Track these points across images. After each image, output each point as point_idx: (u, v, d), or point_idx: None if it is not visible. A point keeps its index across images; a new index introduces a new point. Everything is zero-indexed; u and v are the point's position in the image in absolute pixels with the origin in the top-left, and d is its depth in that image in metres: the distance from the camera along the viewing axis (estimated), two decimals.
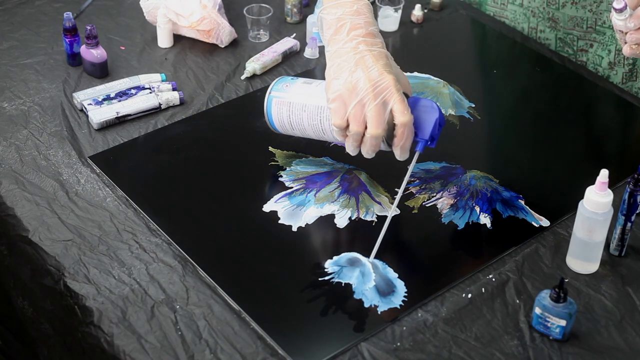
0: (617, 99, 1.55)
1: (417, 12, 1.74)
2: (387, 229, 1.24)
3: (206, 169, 1.37)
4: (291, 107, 1.29)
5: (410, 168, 1.20)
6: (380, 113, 1.16)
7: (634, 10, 1.19)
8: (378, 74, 1.16)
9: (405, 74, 1.58)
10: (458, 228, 1.26)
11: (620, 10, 1.19)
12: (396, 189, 1.32)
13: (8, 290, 1.36)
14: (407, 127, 1.16)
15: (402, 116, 1.16)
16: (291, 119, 1.30)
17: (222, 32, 1.64)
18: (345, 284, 1.17)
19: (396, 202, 1.22)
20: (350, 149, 1.21)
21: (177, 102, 1.50)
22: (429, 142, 1.20)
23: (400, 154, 1.19)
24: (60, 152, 1.39)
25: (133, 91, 1.50)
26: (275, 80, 1.33)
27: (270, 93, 1.31)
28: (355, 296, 1.15)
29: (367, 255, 1.20)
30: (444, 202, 1.30)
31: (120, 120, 1.45)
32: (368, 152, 1.20)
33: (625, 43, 1.22)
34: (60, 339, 1.25)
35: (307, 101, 1.27)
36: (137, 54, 1.63)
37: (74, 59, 1.58)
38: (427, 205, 1.30)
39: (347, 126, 1.18)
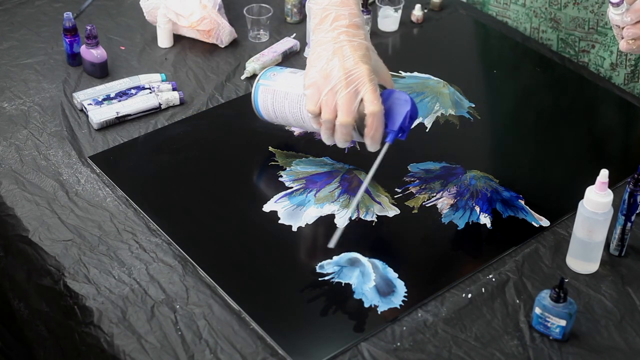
0: (617, 99, 1.55)
1: (417, 12, 1.74)
2: (387, 228, 1.25)
3: (206, 169, 1.37)
4: (275, 95, 1.32)
5: (379, 159, 1.20)
6: (350, 101, 1.17)
7: (631, 5, 1.19)
8: (353, 63, 1.18)
9: (405, 74, 1.59)
10: (458, 228, 1.26)
11: (617, 5, 1.19)
12: (396, 189, 1.32)
13: (6, 291, 1.36)
14: (376, 117, 1.17)
15: (371, 106, 1.17)
16: (275, 107, 1.32)
17: (222, 32, 1.64)
18: (345, 284, 1.17)
19: (364, 185, 1.20)
20: (324, 137, 1.23)
21: (177, 102, 1.50)
22: (399, 134, 1.21)
23: (370, 144, 1.20)
24: (60, 152, 1.39)
25: (133, 91, 1.50)
26: (264, 70, 1.36)
27: (258, 81, 1.34)
28: (355, 296, 1.15)
29: (367, 255, 1.20)
30: (444, 202, 1.30)
31: (120, 120, 1.45)
32: (340, 141, 1.22)
33: (622, 38, 1.22)
34: (55, 342, 1.25)
35: (289, 90, 1.30)
36: (137, 54, 1.63)
37: (74, 59, 1.58)
38: (427, 205, 1.30)
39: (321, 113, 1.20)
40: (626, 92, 1.56)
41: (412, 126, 1.23)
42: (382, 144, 1.21)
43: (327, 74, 1.18)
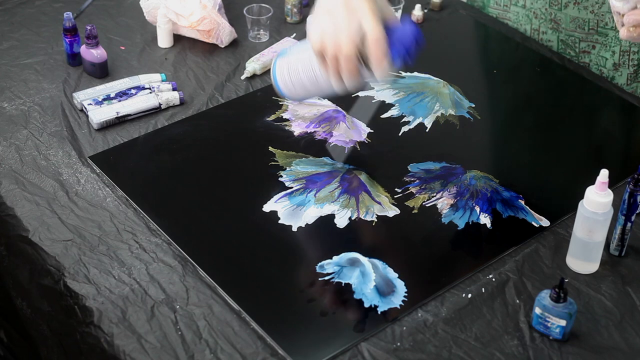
0: (617, 99, 1.55)
1: (417, 12, 1.74)
2: (387, 228, 1.25)
3: (206, 169, 1.37)
4: (289, 64, 1.29)
5: (386, 82, 1.17)
6: (351, 31, 1.15)
7: None
8: None
9: (405, 74, 1.59)
10: (458, 228, 1.26)
11: None
12: (396, 189, 1.32)
13: (8, 290, 1.36)
14: (378, 43, 1.15)
15: (372, 32, 1.15)
16: (290, 75, 1.29)
17: (222, 32, 1.64)
18: (345, 284, 1.17)
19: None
20: (334, 82, 1.20)
21: (177, 102, 1.50)
22: (405, 57, 1.17)
23: (377, 72, 1.17)
24: (60, 152, 1.39)
25: (133, 91, 1.50)
26: (282, 49, 1.34)
27: (276, 59, 1.31)
28: (355, 296, 1.15)
29: (368, 255, 1.20)
30: (444, 202, 1.30)
31: (120, 120, 1.45)
32: (347, 78, 1.18)
33: (623, 26, 1.22)
34: (57, 341, 1.25)
35: (301, 54, 1.28)
36: (137, 54, 1.63)
37: (74, 59, 1.58)
38: (427, 205, 1.30)
39: None
40: (626, 92, 1.57)
41: (417, 53, 1.19)
42: (391, 70, 1.18)
43: (328, 10, 1.17)
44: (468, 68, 1.65)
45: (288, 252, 1.21)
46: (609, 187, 1.14)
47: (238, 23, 1.70)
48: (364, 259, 1.20)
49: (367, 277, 1.17)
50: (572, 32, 1.62)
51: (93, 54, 1.55)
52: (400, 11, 1.71)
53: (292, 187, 1.32)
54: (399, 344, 1.09)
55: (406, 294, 1.15)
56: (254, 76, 1.58)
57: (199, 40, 1.66)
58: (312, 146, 1.40)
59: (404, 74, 1.58)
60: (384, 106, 1.50)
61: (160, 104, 1.48)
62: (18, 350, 1.50)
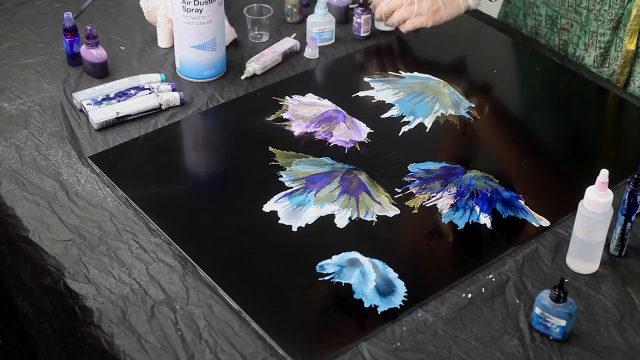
0: (617, 99, 1.55)
1: None
2: (387, 228, 1.25)
3: (206, 169, 1.37)
4: None
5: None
6: None
7: None
8: None
9: (405, 74, 1.59)
10: (458, 228, 1.26)
11: None
12: (396, 189, 1.32)
13: (9, 290, 1.36)
14: None
15: None
16: None
17: None
18: (345, 284, 1.17)
19: None
20: None
21: (178, 103, 1.49)
22: None
23: None
24: (60, 152, 1.39)
25: (132, 91, 1.49)
26: None
27: None
28: (355, 296, 1.15)
29: (368, 255, 1.20)
30: (444, 202, 1.30)
31: (120, 121, 1.45)
32: None
33: None
34: (59, 340, 1.25)
35: None
36: (137, 54, 1.63)
37: (74, 59, 1.58)
38: (427, 205, 1.30)
39: None
40: (626, 92, 1.57)
41: None
42: None
43: None
44: (468, 68, 1.65)
45: (288, 252, 1.21)
46: (609, 187, 1.14)
47: (238, 23, 1.70)
48: (364, 259, 1.20)
49: (367, 277, 1.17)
50: (557, 8, 1.63)
51: (93, 54, 1.55)
52: None
53: (292, 187, 1.32)
54: (399, 344, 1.09)
55: (406, 294, 1.15)
56: (254, 76, 1.58)
57: None
58: (312, 146, 1.40)
59: (404, 74, 1.59)
60: (384, 106, 1.50)
61: (160, 105, 1.48)
62: (13, 351, 1.50)
